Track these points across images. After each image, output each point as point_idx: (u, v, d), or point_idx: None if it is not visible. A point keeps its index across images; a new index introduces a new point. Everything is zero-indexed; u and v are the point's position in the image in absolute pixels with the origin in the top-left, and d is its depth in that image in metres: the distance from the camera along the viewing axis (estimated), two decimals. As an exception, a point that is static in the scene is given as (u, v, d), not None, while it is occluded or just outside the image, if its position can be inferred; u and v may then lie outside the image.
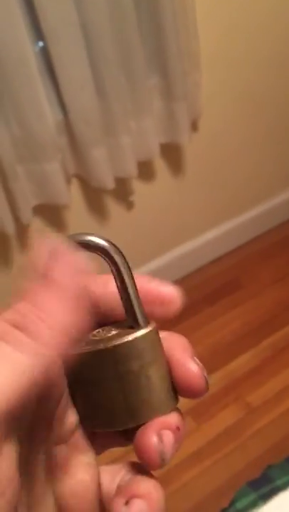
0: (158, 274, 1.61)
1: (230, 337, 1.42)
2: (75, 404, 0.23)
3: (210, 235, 1.66)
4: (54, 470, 0.22)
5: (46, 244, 0.20)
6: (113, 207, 1.39)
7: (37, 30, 1.07)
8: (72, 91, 1.08)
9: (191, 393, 0.23)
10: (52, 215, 1.30)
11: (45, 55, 1.10)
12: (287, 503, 0.66)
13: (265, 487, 0.86)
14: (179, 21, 1.14)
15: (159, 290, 0.24)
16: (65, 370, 0.22)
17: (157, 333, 0.23)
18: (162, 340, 0.23)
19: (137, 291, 0.23)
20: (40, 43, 1.11)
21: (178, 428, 0.22)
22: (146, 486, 0.21)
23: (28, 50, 1.01)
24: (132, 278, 0.23)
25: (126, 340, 0.22)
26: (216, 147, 1.49)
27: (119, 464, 0.24)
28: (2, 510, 0.17)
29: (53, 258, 0.19)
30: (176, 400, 0.23)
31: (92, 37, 1.05)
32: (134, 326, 0.23)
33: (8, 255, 1.29)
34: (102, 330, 0.24)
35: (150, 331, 0.23)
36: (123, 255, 0.24)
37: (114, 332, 0.24)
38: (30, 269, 0.20)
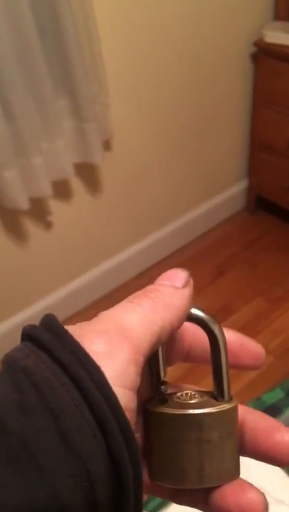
0: (83, 292, 1.63)
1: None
2: (150, 457, 0.25)
3: (131, 250, 1.70)
4: None
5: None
6: (31, 228, 1.40)
7: None
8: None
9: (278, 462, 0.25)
10: None
11: None
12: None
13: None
14: (84, 48, 1.19)
15: (251, 346, 0.27)
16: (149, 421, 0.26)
17: (237, 409, 0.26)
18: None
19: (228, 366, 0.26)
20: None
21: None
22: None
23: None
24: (226, 352, 0.25)
25: (214, 411, 0.24)
26: (129, 165, 1.54)
27: None
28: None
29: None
30: (239, 471, 0.26)
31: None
32: (219, 397, 0.25)
33: None
34: (186, 394, 0.26)
35: (234, 406, 0.25)
36: (221, 329, 0.26)
37: (198, 399, 0.26)
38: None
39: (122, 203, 1.60)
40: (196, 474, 0.24)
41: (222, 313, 1.58)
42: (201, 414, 0.24)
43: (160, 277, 0.26)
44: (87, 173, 1.44)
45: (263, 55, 1.60)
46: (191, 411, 0.24)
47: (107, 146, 1.43)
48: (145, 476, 0.26)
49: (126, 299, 0.24)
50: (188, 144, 1.68)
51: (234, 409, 0.25)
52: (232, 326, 0.33)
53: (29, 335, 0.22)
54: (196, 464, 0.24)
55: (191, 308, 0.25)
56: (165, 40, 1.42)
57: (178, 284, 0.25)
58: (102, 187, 1.51)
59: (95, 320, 0.23)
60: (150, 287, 0.25)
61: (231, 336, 0.27)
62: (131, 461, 0.20)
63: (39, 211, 1.37)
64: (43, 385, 0.19)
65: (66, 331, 0.21)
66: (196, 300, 0.25)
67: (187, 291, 0.25)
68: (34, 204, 1.29)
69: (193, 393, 0.26)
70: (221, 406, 0.25)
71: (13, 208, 1.24)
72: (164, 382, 0.26)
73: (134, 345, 0.21)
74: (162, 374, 0.26)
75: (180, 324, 0.25)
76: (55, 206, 1.41)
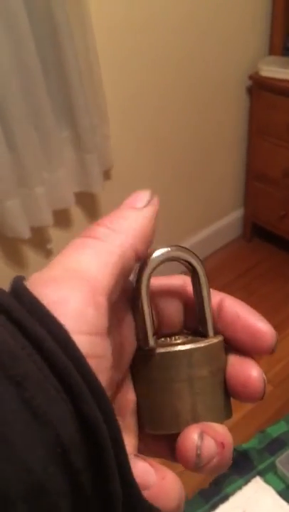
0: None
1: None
2: (141, 407, 0.24)
3: (129, 277, 1.71)
4: None
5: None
6: (31, 256, 1.40)
7: None
8: (-18, 146, 1.10)
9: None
10: None
11: None
12: None
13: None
14: (85, 80, 1.21)
15: (258, 325, 0.24)
16: (136, 364, 0.24)
17: (223, 343, 0.24)
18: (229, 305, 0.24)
19: (210, 301, 0.24)
20: None
21: (222, 444, 0.22)
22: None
23: None
24: (208, 287, 0.24)
25: (202, 345, 0.23)
26: (128, 193, 1.54)
27: None
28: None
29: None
30: (231, 412, 0.24)
31: (1, 96, 1.09)
32: (204, 333, 0.24)
33: None
34: (170, 337, 0.25)
35: (221, 340, 0.24)
36: (201, 262, 0.25)
37: (183, 338, 0.25)
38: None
39: (121, 231, 1.61)
40: (189, 415, 0.23)
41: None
42: (190, 349, 0.23)
43: (125, 201, 0.24)
44: (87, 201, 1.46)
45: (258, 88, 1.64)
46: (179, 347, 0.23)
47: (106, 175, 1.45)
48: (141, 443, 0.25)
49: (80, 234, 0.22)
50: (185, 173, 1.71)
51: (221, 343, 0.24)
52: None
53: None
54: (188, 404, 0.23)
55: (154, 229, 0.23)
56: (164, 70, 1.46)
57: (138, 205, 0.23)
58: (101, 215, 1.51)
59: (46, 268, 0.21)
60: (106, 216, 0.23)
61: (230, 303, 0.25)
62: (105, 421, 0.18)
63: (39, 239, 1.38)
64: (1, 350, 0.17)
65: (25, 288, 0.19)
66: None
67: (149, 210, 0.23)
68: (34, 232, 1.30)
69: (176, 336, 0.25)
70: (207, 340, 0.24)
71: (15, 237, 1.25)
72: (153, 336, 0.24)
73: (89, 286, 0.19)
74: (149, 324, 0.24)
75: (145, 248, 0.22)
76: (54, 234, 1.42)
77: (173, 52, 1.45)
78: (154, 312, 0.25)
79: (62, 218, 1.41)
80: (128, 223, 0.22)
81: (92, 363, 0.18)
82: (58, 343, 0.18)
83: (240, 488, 0.98)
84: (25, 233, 1.25)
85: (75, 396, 0.18)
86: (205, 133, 1.69)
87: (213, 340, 0.24)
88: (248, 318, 0.24)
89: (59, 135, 1.25)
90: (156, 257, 0.24)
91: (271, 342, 0.24)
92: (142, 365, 0.24)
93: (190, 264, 0.24)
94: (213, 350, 0.24)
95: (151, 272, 0.24)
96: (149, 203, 0.23)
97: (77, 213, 1.46)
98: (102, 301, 0.20)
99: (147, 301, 0.24)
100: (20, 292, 0.19)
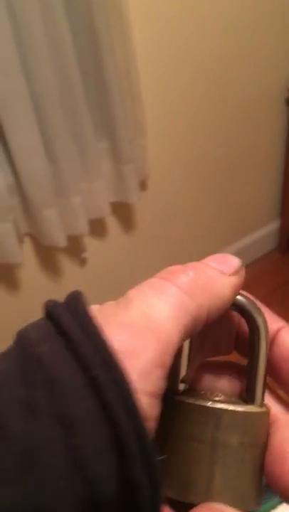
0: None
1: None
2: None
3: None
4: None
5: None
6: (66, 264, 1.42)
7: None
8: (23, 156, 1.12)
9: None
10: (5, 273, 1.31)
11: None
12: None
13: None
14: (124, 92, 1.23)
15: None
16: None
17: (268, 420, 0.21)
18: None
19: (267, 366, 0.21)
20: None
21: None
22: None
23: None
24: (267, 349, 0.21)
25: (237, 409, 0.20)
26: (163, 204, 1.56)
27: None
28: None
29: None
30: (259, 502, 0.21)
31: (42, 107, 1.11)
32: (248, 399, 0.21)
33: None
34: (210, 392, 0.22)
35: (264, 412, 0.21)
36: (266, 321, 0.21)
37: (222, 397, 0.22)
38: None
39: (155, 241, 1.61)
40: (203, 486, 0.20)
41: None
42: (221, 409, 0.20)
43: (207, 258, 0.22)
44: (123, 211, 1.47)
45: (298, 99, 1.62)
46: (210, 403, 0.20)
47: (142, 185, 1.46)
48: None
49: (159, 274, 0.20)
50: (221, 183, 1.70)
51: (263, 416, 0.21)
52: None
53: (51, 315, 0.19)
54: (205, 473, 0.20)
55: (234, 300, 0.21)
56: (201, 84, 1.46)
57: (226, 270, 0.21)
58: (136, 225, 1.53)
59: (122, 303, 0.19)
60: (192, 263, 0.21)
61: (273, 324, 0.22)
62: (150, 487, 0.17)
63: (74, 248, 1.40)
64: (58, 384, 0.16)
65: (91, 320, 0.18)
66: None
67: (235, 280, 0.21)
68: (70, 241, 1.32)
69: (219, 394, 0.22)
70: (248, 407, 0.21)
71: (51, 245, 1.27)
72: (184, 380, 0.22)
73: (162, 343, 0.18)
74: (183, 369, 0.22)
75: (218, 316, 0.20)
76: (90, 243, 1.43)
77: (211, 63, 1.45)
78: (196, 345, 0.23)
79: (97, 227, 1.42)
80: (212, 285, 0.20)
81: (147, 425, 0.17)
82: (118, 392, 0.17)
83: (273, 508, 0.96)
84: (62, 241, 1.27)
85: (126, 458, 0.17)
86: (242, 143, 1.68)
87: (256, 409, 0.21)
88: None
89: (97, 146, 1.27)
90: None
91: None
92: (166, 411, 0.20)
93: (252, 319, 0.22)
94: (251, 420, 0.20)
95: None
96: (237, 272, 0.21)
97: (112, 223, 1.47)
98: (169, 360, 0.18)
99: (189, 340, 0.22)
100: (84, 321, 0.18)
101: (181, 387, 0.22)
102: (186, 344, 0.22)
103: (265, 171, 1.83)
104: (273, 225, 1.98)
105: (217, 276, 0.20)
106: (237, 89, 1.55)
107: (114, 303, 0.19)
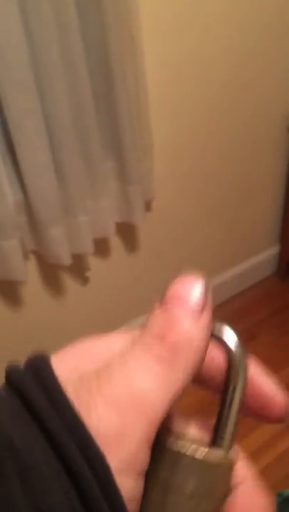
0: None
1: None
2: None
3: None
4: None
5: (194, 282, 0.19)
6: (69, 282, 1.42)
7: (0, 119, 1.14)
8: (33, 174, 1.14)
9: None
10: (8, 290, 1.31)
11: (8, 141, 1.17)
12: None
13: None
14: (134, 115, 1.25)
15: (272, 393, 0.20)
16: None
17: (232, 469, 0.19)
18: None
19: (240, 406, 0.19)
20: None
21: None
22: None
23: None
24: (244, 387, 0.19)
25: (194, 454, 0.18)
26: (167, 226, 1.58)
27: None
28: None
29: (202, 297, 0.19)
30: None
31: (54, 126, 1.13)
32: (216, 442, 0.19)
33: None
34: (181, 433, 0.20)
35: (226, 461, 0.19)
36: (245, 356, 0.19)
37: (190, 438, 0.20)
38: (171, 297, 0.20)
39: (158, 262, 1.62)
40: None
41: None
42: (177, 452, 0.19)
43: (168, 296, 0.20)
44: (127, 231, 1.48)
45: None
46: (168, 444, 0.19)
47: (147, 206, 1.47)
48: None
49: (140, 343, 0.18)
50: (223, 208, 1.72)
51: (223, 464, 0.19)
52: None
53: (16, 387, 0.17)
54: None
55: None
56: (208, 108, 1.49)
57: (195, 307, 0.19)
58: (139, 246, 1.54)
59: (104, 375, 0.18)
60: (162, 323, 0.19)
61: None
62: None
63: (78, 267, 1.40)
64: (32, 474, 0.15)
65: (65, 397, 0.17)
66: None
67: (206, 318, 0.19)
68: (74, 260, 1.32)
69: (194, 433, 0.20)
70: (206, 453, 0.18)
71: (56, 263, 1.27)
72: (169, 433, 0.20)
73: (149, 420, 0.17)
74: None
75: (201, 365, 0.19)
76: (93, 263, 1.44)
77: (218, 91, 1.48)
78: None
79: (101, 247, 1.43)
80: (190, 341, 0.18)
81: (129, 507, 0.17)
82: (98, 484, 0.16)
83: None
84: (67, 260, 1.27)
85: None
86: (245, 170, 1.71)
87: (215, 455, 0.19)
88: (262, 384, 0.21)
89: (105, 166, 1.29)
90: None
91: (281, 412, 0.20)
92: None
93: (228, 349, 0.20)
94: (209, 468, 0.18)
95: None
96: (205, 303, 0.19)
97: (116, 243, 1.48)
98: (153, 437, 0.17)
99: None
100: (56, 398, 0.17)
101: (169, 442, 0.20)
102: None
103: (266, 196, 1.85)
104: (272, 251, 1.99)
105: (191, 327, 0.18)
106: (241, 118, 1.59)
107: (94, 374, 0.18)
